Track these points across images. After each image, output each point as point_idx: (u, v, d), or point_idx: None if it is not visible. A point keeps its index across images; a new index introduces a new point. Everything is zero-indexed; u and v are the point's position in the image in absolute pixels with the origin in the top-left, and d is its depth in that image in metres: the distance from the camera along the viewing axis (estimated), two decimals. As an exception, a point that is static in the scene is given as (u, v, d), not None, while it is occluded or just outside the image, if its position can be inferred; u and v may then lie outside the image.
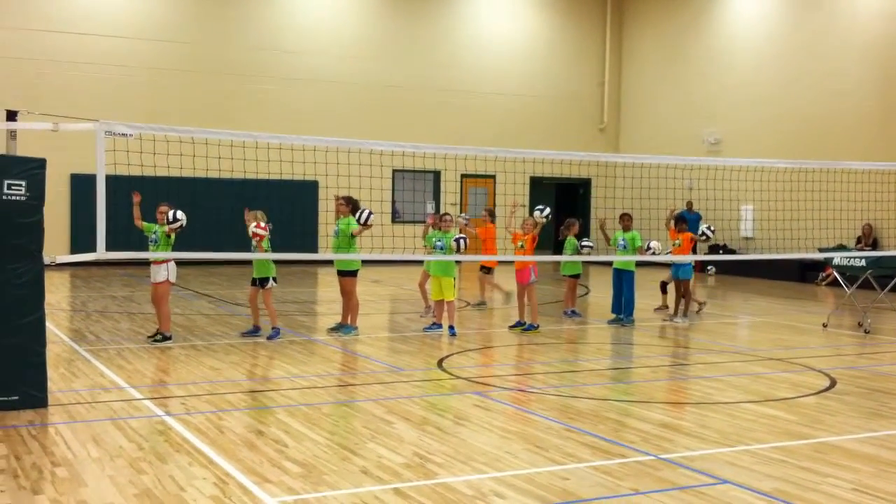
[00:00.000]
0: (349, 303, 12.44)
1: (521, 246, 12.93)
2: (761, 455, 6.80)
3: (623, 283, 13.91)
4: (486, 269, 15.71)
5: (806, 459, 6.72)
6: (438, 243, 12.71)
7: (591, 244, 15.13)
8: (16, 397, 7.75)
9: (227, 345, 11.43)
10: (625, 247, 13.86)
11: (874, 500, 5.89)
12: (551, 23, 27.88)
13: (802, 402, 8.78)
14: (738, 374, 10.31)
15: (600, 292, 17.14)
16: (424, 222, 14.56)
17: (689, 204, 22.89)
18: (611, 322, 13.88)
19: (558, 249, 15.45)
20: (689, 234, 14.44)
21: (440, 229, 12.92)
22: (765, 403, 8.63)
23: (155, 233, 11.40)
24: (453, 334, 12.32)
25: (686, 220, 15.06)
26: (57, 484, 5.93)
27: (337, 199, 12.61)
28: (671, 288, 14.82)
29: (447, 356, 10.92)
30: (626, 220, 14.02)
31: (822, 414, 8.24)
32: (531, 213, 13.69)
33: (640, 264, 15.17)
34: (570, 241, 14.67)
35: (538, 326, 12.90)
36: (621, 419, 7.90)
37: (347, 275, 12.37)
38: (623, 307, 13.90)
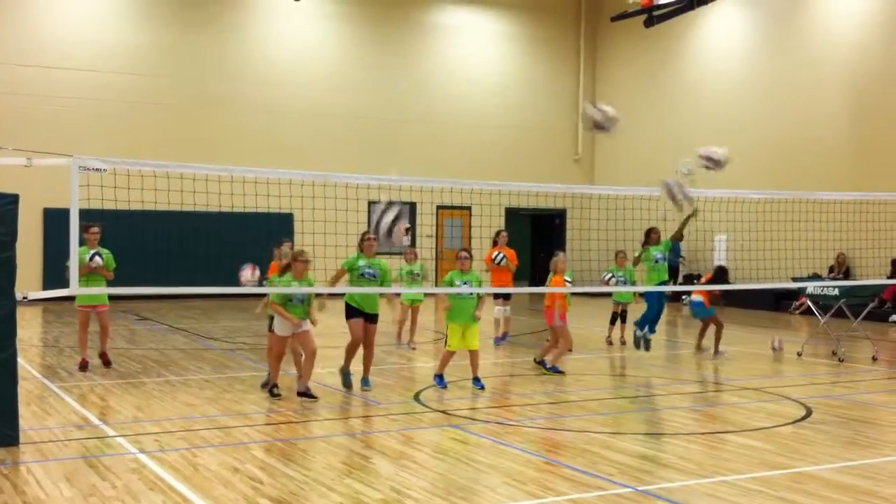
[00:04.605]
0: (372, 351, 10.95)
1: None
2: (739, 486, 6.80)
3: (649, 297, 14.07)
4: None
5: (784, 490, 6.72)
6: (463, 284, 10.73)
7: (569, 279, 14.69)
8: (-14, 436, 7.63)
9: (201, 380, 11.32)
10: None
11: (852, 530, 5.89)
12: (526, 54, 28.10)
13: (779, 431, 8.80)
14: (715, 404, 10.32)
15: (580, 323, 17.14)
16: (402, 254, 14.63)
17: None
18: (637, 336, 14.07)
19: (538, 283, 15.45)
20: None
21: (460, 269, 10.85)
22: (742, 434, 8.64)
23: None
24: (482, 387, 10.85)
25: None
26: (28, 524, 5.83)
27: (366, 234, 10.92)
28: (704, 323, 14.58)
29: (424, 389, 10.87)
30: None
31: (799, 444, 8.26)
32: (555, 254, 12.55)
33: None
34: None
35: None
36: (599, 451, 7.88)
37: (376, 320, 10.85)
38: (645, 322, 14.01)
